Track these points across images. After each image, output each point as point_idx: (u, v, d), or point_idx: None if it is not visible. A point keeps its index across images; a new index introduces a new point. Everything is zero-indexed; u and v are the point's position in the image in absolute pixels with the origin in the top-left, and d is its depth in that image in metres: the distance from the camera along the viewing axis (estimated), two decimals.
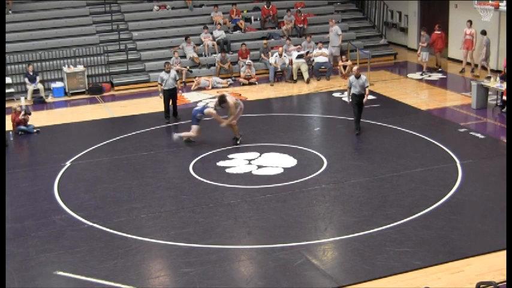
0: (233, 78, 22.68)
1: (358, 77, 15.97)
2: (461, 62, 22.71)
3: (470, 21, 21.79)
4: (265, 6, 25.53)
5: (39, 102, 20.72)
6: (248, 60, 22.67)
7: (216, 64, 23.00)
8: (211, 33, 24.11)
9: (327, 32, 24.68)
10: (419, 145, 15.23)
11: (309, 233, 11.02)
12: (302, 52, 22.64)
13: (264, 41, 23.67)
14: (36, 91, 21.16)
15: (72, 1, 24.82)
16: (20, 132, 17.24)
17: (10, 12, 23.46)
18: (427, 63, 22.63)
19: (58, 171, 14.33)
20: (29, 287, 9.61)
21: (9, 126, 17.36)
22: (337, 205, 12.30)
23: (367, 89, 16.10)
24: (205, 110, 15.58)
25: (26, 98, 20.77)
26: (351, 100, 16.25)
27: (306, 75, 22.24)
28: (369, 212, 11.70)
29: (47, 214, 12.08)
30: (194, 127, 15.69)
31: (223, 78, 22.55)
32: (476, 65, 22.06)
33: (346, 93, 17.39)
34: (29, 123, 17.51)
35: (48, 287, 9.62)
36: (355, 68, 16.48)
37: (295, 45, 23.32)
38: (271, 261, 10.10)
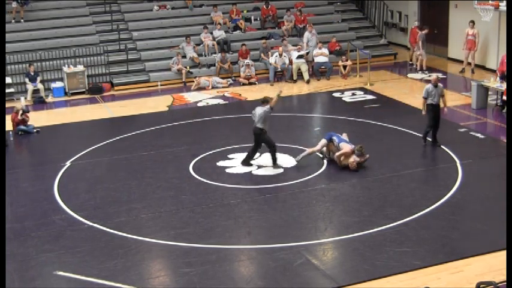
0: (233, 78, 22.67)
1: (436, 85, 14.97)
2: (461, 62, 22.72)
3: (473, 22, 21.74)
4: (264, 6, 25.50)
5: (39, 102, 20.72)
6: (248, 60, 22.66)
7: (216, 64, 23.00)
8: (211, 33, 24.10)
9: (327, 32, 24.72)
10: (420, 145, 15.23)
11: (309, 233, 11.03)
12: (302, 52, 22.63)
13: (263, 41, 23.65)
14: (36, 91, 21.18)
15: (72, 1, 24.80)
16: (20, 132, 17.23)
17: (22, 20, 23.40)
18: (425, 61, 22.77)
19: (58, 171, 14.32)
20: (29, 287, 9.61)
21: (9, 126, 17.35)
22: (337, 205, 12.31)
23: (445, 98, 15.26)
24: (341, 144, 13.89)
25: (26, 98, 20.76)
26: (426, 111, 15.15)
27: (306, 76, 22.24)
28: (368, 212, 11.70)
29: (47, 214, 12.08)
30: (322, 141, 14.29)
31: (223, 78, 22.54)
32: (476, 65, 22.10)
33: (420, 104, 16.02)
34: (28, 123, 17.48)
35: (48, 287, 9.62)
36: (434, 76, 15.36)
37: (294, 45, 23.30)
38: (271, 261, 10.10)
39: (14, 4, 23.14)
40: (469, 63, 22.24)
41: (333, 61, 23.15)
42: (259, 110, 13.81)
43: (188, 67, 22.76)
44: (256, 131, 13.90)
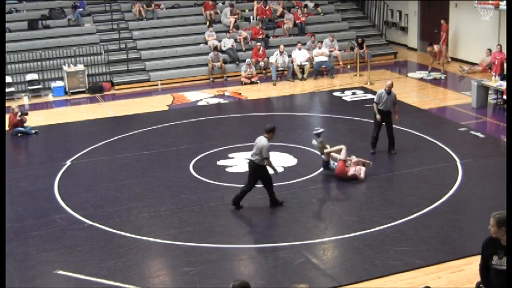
0: (225, 77, 22.65)
1: (389, 92, 14.45)
2: (463, 61, 23.09)
3: (445, 19, 23.56)
4: (262, 6, 25.44)
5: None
6: (248, 59, 22.63)
7: (208, 63, 22.79)
8: (220, 41, 23.70)
9: (327, 31, 24.72)
10: (420, 144, 15.23)
11: (309, 232, 11.03)
12: (308, 56, 22.62)
13: (258, 44, 23.47)
14: (36, 90, 21.23)
15: (72, 0, 24.79)
16: (19, 134, 17.08)
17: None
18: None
19: (58, 170, 14.33)
20: (29, 287, 9.61)
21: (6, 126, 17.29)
22: (337, 204, 12.31)
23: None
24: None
25: (28, 97, 20.72)
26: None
27: (305, 75, 22.25)
28: (369, 211, 11.70)
29: (47, 213, 12.09)
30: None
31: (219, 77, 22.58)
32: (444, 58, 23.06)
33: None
34: (26, 124, 17.29)
35: (48, 286, 9.62)
36: (389, 82, 14.75)
37: (298, 43, 23.15)
38: (271, 260, 10.11)
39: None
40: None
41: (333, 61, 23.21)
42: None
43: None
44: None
